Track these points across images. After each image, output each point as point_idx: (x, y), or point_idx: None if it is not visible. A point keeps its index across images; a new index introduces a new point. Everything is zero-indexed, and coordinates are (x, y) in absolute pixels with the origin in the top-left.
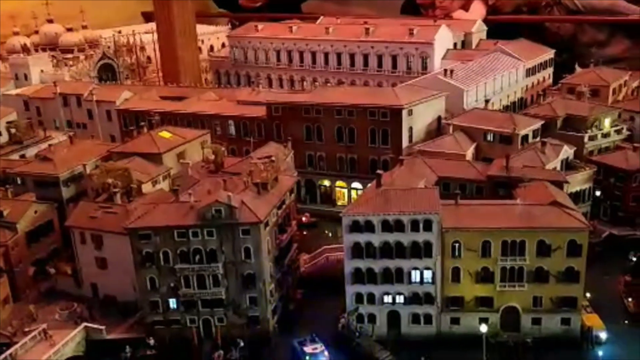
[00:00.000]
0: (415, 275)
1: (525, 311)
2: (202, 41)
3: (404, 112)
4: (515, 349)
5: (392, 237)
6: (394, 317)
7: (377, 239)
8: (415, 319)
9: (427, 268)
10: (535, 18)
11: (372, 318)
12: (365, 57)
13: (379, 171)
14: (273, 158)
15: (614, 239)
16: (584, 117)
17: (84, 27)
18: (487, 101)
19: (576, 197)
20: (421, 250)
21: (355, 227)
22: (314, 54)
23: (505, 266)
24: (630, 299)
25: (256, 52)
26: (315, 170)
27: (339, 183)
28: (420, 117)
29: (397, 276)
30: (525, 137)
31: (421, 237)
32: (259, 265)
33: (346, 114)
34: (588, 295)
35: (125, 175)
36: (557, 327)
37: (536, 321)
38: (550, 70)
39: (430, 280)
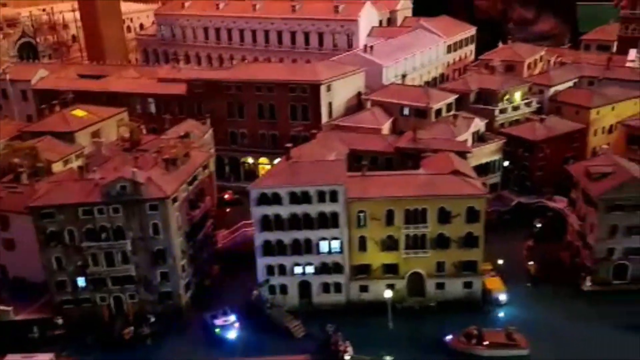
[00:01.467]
0: (324, 246)
1: (430, 276)
2: (132, 19)
3: (323, 88)
4: (420, 312)
5: (299, 209)
6: (305, 287)
7: (285, 211)
8: (325, 288)
9: (335, 238)
10: None
11: (284, 289)
12: (293, 35)
13: (287, 145)
14: (187, 135)
15: (522, 207)
16: (494, 91)
17: (4, 5)
18: (403, 76)
19: (486, 167)
20: (328, 221)
21: (263, 199)
22: (241, 32)
23: (409, 234)
24: (531, 263)
25: (183, 30)
26: (239, 147)
27: (262, 160)
28: (339, 93)
29: (307, 247)
30: (439, 111)
31: (328, 208)
32: (169, 241)
33: (266, 90)
34: (501, 261)
35: (32, 154)
36: (460, 291)
37: (440, 286)
38: (472, 47)
39: (338, 250)
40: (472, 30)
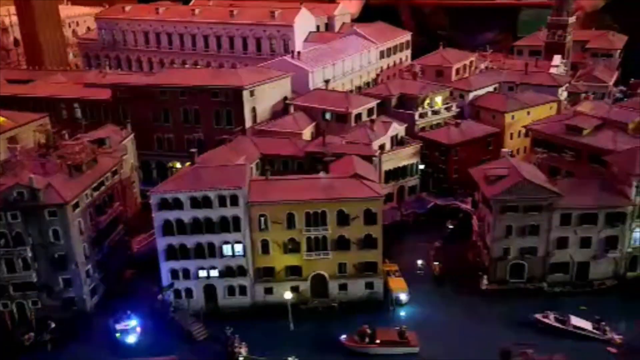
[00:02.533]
0: (227, 249)
1: (332, 278)
2: (77, 23)
3: (245, 93)
4: (323, 313)
5: (201, 213)
6: (210, 290)
7: (186, 215)
8: (230, 291)
9: (238, 241)
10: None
11: (189, 292)
12: (231, 40)
13: (192, 150)
14: (102, 140)
15: (439, 208)
16: (414, 96)
17: None
18: (326, 81)
19: (404, 170)
20: (230, 225)
21: (164, 204)
22: (181, 36)
23: (310, 236)
24: (436, 263)
25: (124, 34)
26: (165, 152)
27: (188, 164)
28: (264, 98)
29: (210, 251)
30: (359, 115)
31: (229, 212)
32: (70, 246)
33: (190, 95)
34: (420, 261)
35: None
36: (362, 291)
37: (343, 286)
38: (407, 53)
39: (241, 253)
40: (407, 36)
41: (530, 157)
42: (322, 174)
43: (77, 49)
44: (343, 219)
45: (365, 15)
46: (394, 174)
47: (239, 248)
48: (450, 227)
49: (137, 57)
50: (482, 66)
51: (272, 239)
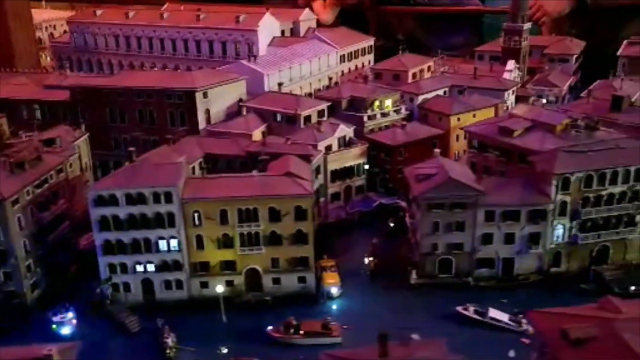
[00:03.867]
0: (163, 244)
1: (266, 272)
2: (55, 27)
3: (198, 95)
4: (257, 306)
5: (136, 210)
6: (148, 284)
7: (122, 211)
8: (167, 285)
9: (173, 237)
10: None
11: (127, 286)
12: (198, 43)
13: (130, 149)
14: (51, 140)
15: (383, 207)
16: (364, 99)
17: None
18: (280, 84)
19: (351, 170)
20: (165, 221)
21: (101, 201)
22: (150, 40)
23: (243, 232)
24: (371, 259)
25: (95, 38)
26: (122, 152)
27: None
28: (218, 100)
29: (146, 246)
30: (308, 117)
31: (163, 208)
32: (9, 241)
33: (145, 97)
34: (370, 260)
35: None
36: (295, 285)
37: (276, 281)
38: (370, 57)
39: (176, 248)
40: (369, 41)
41: (469, 156)
42: (255, 172)
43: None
44: (274, 216)
45: (342, 22)
46: (340, 174)
47: (174, 243)
48: (391, 224)
49: (108, 60)
50: (442, 70)
51: (206, 234)
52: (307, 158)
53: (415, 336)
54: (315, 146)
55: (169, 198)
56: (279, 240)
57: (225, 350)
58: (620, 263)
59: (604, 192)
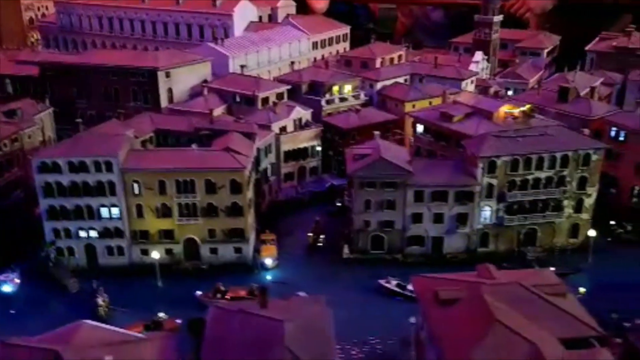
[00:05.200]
0: (104, 212)
1: (203, 242)
2: (47, 7)
3: (160, 74)
4: (194, 274)
5: (78, 177)
6: (91, 250)
7: (65, 179)
8: (109, 251)
9: (114, 205)
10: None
11: (71, 251)
12: (177, 26)
13: (77, 120)
14: (13, 111)
15: (335, 188)
16: (322, 83)
17: None
18: (242, 67)
19: (305, 152)
20: (106, 189)
21: (45, 168)
22: (132, 22)
23: (181, 202)
24: (310, 234)
25: (81, 18)
26: (88, 127)
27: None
28: (181, 80)
29: (89, 212)
30: (266, 99)
31: (104, 177)
32: None
33: (111, 75)
34: (310, 234)
35: None
36: (231, 255)
37: (213, 250)
38: (345, 45)
39: (117, 216)
40: (344, 30)
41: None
42: (194, 147)
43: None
44: (211, 188)
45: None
46: (293, 155)
47: (115, 211)
48: (338, 204)
49: (92, 40)
50: (416, 59)
51: (146, 204)
52: (250, 136)
53: (301, 293)
54: (268, 127)
55: (109, 167)
56: (215, 212)
57: (161, 314)
58: (548, 246)
59: (530, 177)
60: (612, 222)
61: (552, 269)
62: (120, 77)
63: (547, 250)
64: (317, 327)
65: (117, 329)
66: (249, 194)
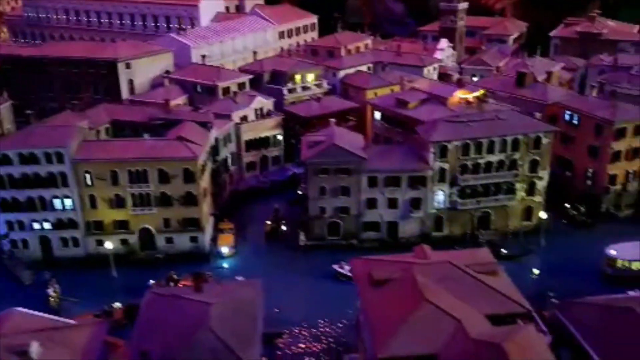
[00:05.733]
0: (57, 203)
1: (159, 232)
2: (16, 1)
3: (120, 65)
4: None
5: (30, 169)
6: (45, 241)
7: (16, 170)
8: (64, 242)
9: (67, 196)
10: None
11: (25, 243)
12: (144, 18)
13: (27, 111)
14: None
15: (297, 176)
16: (284, 72)
17: None
18: (203, 56)
19: (266, 141)
20: (58, 180)
21: None
22: (98, 14)
23: (135, 193)
24: (268, 222)
25: (47, 12)
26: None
27: None
28: (142, 71)
29: (42, 204)
30: (227, 89)
31: (56, 168)
32: None
33: (71, 66)
34: (268, 222)
35: None
36: (187, 245)
37: (169, 240)
38: (313, 34)
39: (71, 207)
40: (311, 19)
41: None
42: (146, 136)
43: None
44: (164, 177)
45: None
46: (255, 144)
47: (68, 202)
48: (299, 192)
49: (60, 34)
50: (382, 48)
51: (99, 194)
52: (205, 125)
53: (239, 277)
54: (229, 116)
55: (60, 158)
56: (169, 202)
57: (117, 304)
58: (503, 229)
59: (481, 161)
60: (566, 205)
61: (504, 251)
62: (80, 68)
63: (501, 234)
64: (245, 310)
65: (49, 316)
66: (204, 183)
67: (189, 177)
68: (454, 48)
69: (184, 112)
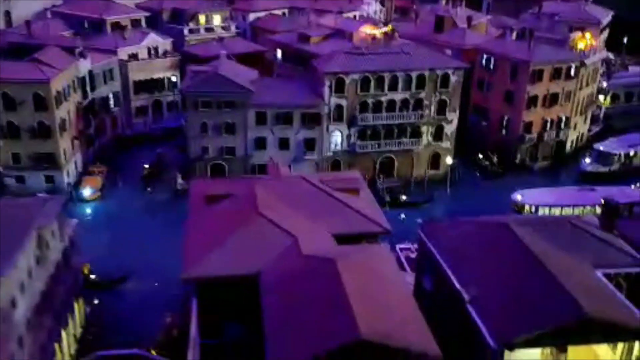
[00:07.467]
0: None
1: (7, 169)
2: None
3: None
4: None
5: None
6: None
7: None
8: None
9: None
10: None
11: None
12: None
13: None
14: None
15: None
16: (184, 11)
17: None
18: None
19: (160, 83)
20: None
21: None
22: None
23: None
24: (146, 166)
25: None
26: None
27: None
28: (23, 4)
29: None
30: (116, 24)
31: None
32: None
33: None
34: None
35: None
36: (42, 185)
37: (20, 179)
38: None
39: None
40: None
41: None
42: None
43: None
44: (10, 103)
45: None
46: (146, 86)
47: None
48: None
49: None
50: None
51: None
52: (73, 52)
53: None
54: (115, 52)
55: None
56: (17, 133)
57: None
58: (407, 177)
59: (383, 98)
60: (479, 155)
61: (404, 197)
62: None
63: (405, 181)
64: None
65: None
66: (62, 113)
67: (41, 103)
68: (382, 4)
69: (49, 36)
